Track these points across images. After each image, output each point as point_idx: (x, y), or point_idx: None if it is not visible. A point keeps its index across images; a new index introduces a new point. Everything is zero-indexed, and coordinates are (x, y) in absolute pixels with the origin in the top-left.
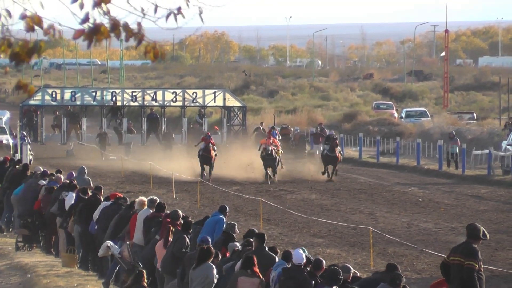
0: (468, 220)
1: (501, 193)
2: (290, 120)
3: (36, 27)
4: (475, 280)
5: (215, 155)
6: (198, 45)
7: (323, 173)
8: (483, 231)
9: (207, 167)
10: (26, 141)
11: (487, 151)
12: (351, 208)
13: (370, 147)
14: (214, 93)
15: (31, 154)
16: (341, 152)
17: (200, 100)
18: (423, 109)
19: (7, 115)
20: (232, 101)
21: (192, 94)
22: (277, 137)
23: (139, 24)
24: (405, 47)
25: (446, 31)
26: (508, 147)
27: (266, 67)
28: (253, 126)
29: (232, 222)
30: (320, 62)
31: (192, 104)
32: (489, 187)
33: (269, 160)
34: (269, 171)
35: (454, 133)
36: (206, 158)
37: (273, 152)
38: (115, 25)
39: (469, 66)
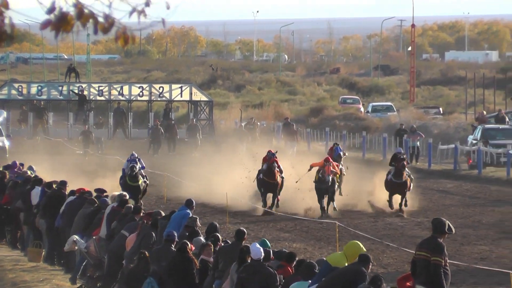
0: (434, 215)
1: (467, 187)
2: (257, 115)
3: None
4: (442, 276)
5: (282, 178)
6: (165, 39)
7: (390, 206)
8: (448, 225)
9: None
10: None
11: (453, 145)
12: (317, 203)
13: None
14: (181, 87)
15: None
16: (410, 176)
17: (167, 95)
18: (389, 103)
19: (3, 115)
20: (198, 96)
21: (159, 89)
22: (341, 153)
23: (105, 14)
24: (372, 41)
25: (413, 25)
26: (474, 141)
27: (233, 61)
28: (219, 121)
29: (194, 216)
30: (287, 57)
31: (159, 99)
32: (455, 181)
33: (325, 185)
34: (323, 201)
35: (415, 126)
36: (268, 185)
37: (330, 180)
38: (81, 13)
39: (435, 60)
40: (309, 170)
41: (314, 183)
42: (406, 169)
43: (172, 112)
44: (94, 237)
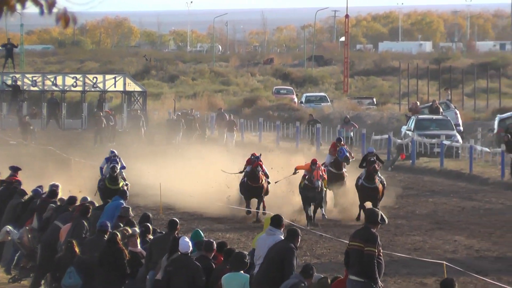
0: (368, 205)
1: (400, 178)
2: (191, 105)
3: None
4: (374, 266)
5: (268, 183)
6: (99, 30)
7: (358, 218)
8: (381, 215)
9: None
10: None
11: (386, 136)
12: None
13: (270, 131)
14: (115, 78)
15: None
16: (383, 182)
17: (101, 85)
18: (323, 94)
19: None
20: (132, 86)
21: (93, 79)
22: (347, 154)
23: None
24: (306, 32)
25: (347, 16)
26: (407, 132)
27: (167, 52)
28: (153, 111)
29: (126, 206)
30: (220, 47)
31: (93, 89)
32: (388, 172)
33: (312, 192)
34: (310, 210)
35: (349, 117)
36: (252, 189)
37: (320, 185)
38: None
39: (369, 51)
40: (294, 173)
41: (299, 189)
42: (379, 173)
43: (105, 103)
44: (27, 228)
